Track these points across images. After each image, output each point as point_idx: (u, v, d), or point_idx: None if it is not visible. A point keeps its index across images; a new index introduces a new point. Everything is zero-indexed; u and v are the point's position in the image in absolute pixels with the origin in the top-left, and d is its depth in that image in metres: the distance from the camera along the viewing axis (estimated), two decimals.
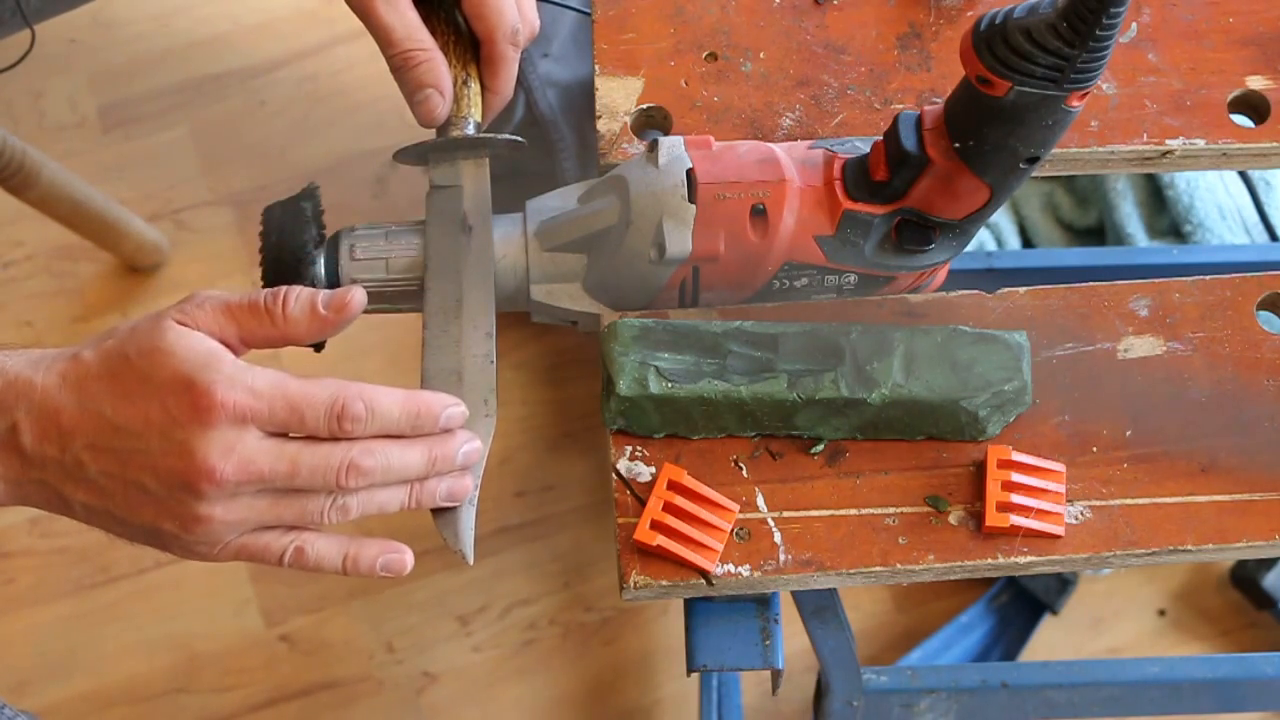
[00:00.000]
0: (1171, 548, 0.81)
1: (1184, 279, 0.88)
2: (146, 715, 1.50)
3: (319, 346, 0.90)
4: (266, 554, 0.78)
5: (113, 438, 0.74)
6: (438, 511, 0.82)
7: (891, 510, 0.82)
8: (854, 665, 1.10)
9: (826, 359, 0.83)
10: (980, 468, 0.83)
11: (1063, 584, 1.49)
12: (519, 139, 0.90)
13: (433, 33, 0.89)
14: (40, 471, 0.76)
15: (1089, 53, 0.72)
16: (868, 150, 0.83)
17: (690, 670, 0.89)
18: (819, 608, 0.99)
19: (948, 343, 0.83)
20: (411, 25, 0.87)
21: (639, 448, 0.84)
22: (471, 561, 0.82)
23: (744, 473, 0.83)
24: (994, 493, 0.81)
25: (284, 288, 0.77)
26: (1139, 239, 1.46)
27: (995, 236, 1.53)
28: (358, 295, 0.78)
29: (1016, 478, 0.81)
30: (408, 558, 0.80)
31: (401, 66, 0.88)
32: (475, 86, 0.90)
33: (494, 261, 0.87)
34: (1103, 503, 0.82)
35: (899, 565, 0.81)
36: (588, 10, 0.97)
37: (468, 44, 0.90)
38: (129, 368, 0.75)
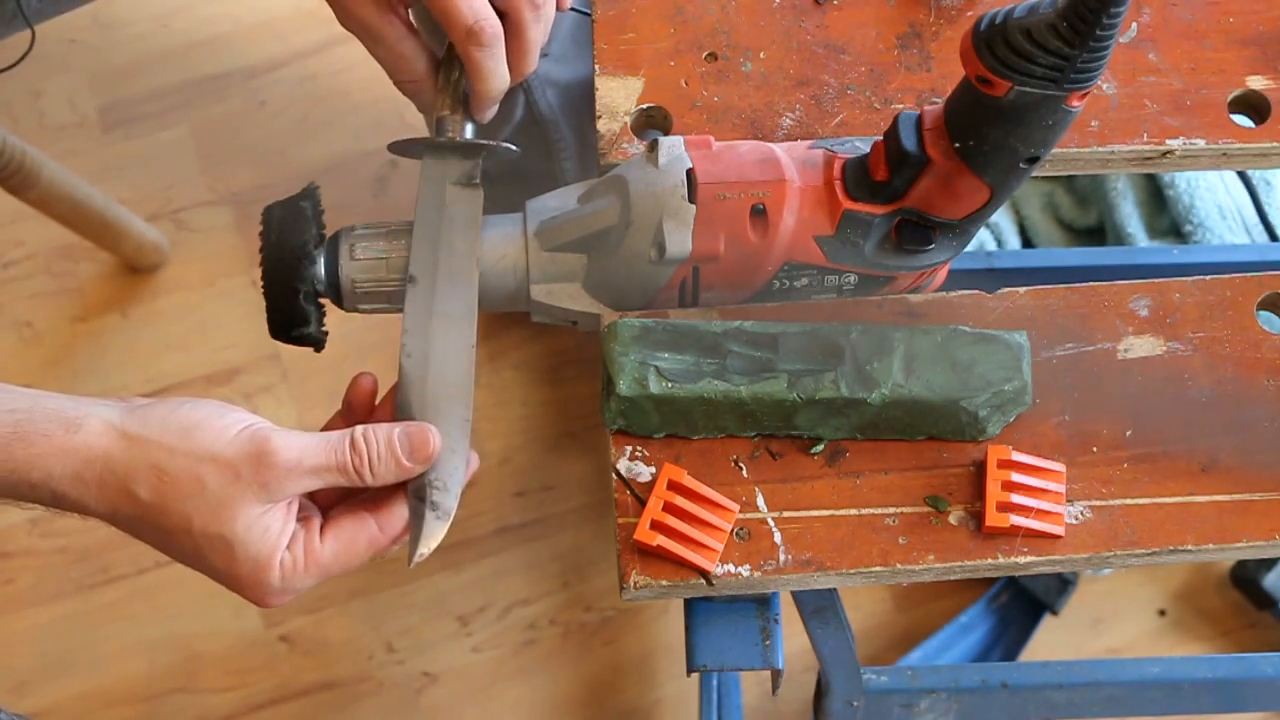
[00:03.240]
0: (1171, 548, 0.81)
1: (1184, 279, 0.88)
2: (146, 715, 1.50)
3: (319, 347, 0.90)
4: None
5: (169, 552, 0.80)
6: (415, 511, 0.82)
7: (891, 510, 0.82)
8: (854, 665, 1.10)
9: (826, 359, 0.83)
10: (980, 468, 0.83)
11: (1063, 584, 1.49)
12: (512, 146, 0.89)
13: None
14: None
15: (1089, 53, 0.72)
16: (868, 150, 0.83)
17: (690, 670, 0.89)
18: (819, 608, 0.99)
19: (948, 343, 0.83)
20: (409, 55, 0.89)
21: (639, 448, 0.84)
22: (410, 565, 0.82)
23: (744, 473, 0.83)
24: (994, 493, 0.81)
25: (362, 439, 0.79)
26: (1139, 239, 1.46)
27: (995, 236, 1.53)
28: (435, 437, 0.81)
29: (1016, 478, 0.81)
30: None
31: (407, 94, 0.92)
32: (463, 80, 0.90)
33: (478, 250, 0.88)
34: (1103, 503, 0.82)
35: (899, 565, 0.81)
36: (588, 10, 0.97)
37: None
38: (186, 536, 0.78)
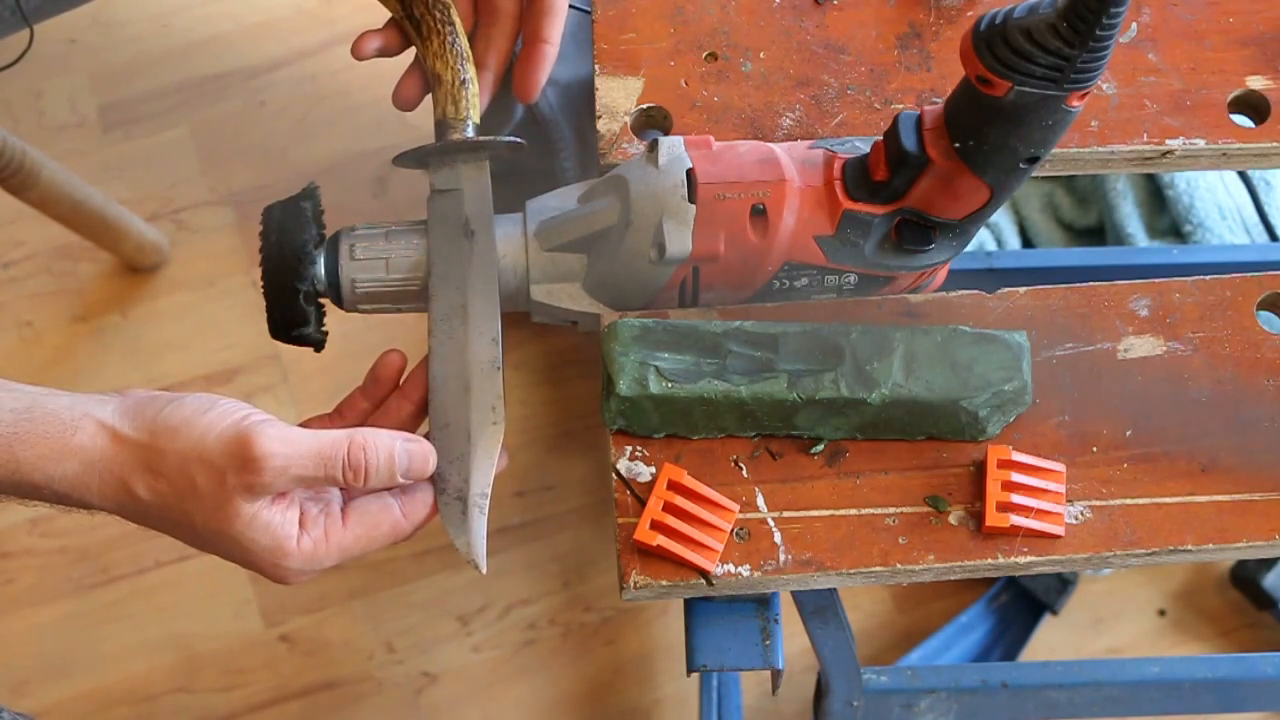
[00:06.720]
0: (1171, 548, 0.81)
1: (1184, 279, 0.88)
2: (146, 715, 1.50)
3: (319, 347, 0.90)
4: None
5: (185, 542, 0.80)
6: (449, 520, 0.82)
7: (891, 510, 0.82)
8: (854, 665, 1.10)
9: (826, 359, 0.83)
10: (980, 468, 0.83)
11: (1063, 584, 1.49)
12: (519, 140, 0.90)
13: (429, 30, 0.89)
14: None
15: (1089, 53, 0.72)
16: (868, 150, 0.83)
17: (690, 670, 0.89)
18: (819, 608, 0.99)
19: (948, 343, 0.83)
20: None
21: (639, 448, 0.84)
22: (484, 570, 0.82)
23: (744, 473, 0.83)
24: (994, 493, 0.81)
25: (360, 451, 0.78)
26: (1139, 239, 1.46)
27: (995, 236, 1.53)
28: (434, 457, 0.81)
29: (1016, 478, 0.81)
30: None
31: None
32: (474, 88, 0.90)
33: (498, 265, 0.87)
34: (1103, 503, 0.82)
35: (899, 565, 0.81)
36: (588, 8, 0.97)
37: (465, 43, 0.90)
38: (192, 531, 0.78)
